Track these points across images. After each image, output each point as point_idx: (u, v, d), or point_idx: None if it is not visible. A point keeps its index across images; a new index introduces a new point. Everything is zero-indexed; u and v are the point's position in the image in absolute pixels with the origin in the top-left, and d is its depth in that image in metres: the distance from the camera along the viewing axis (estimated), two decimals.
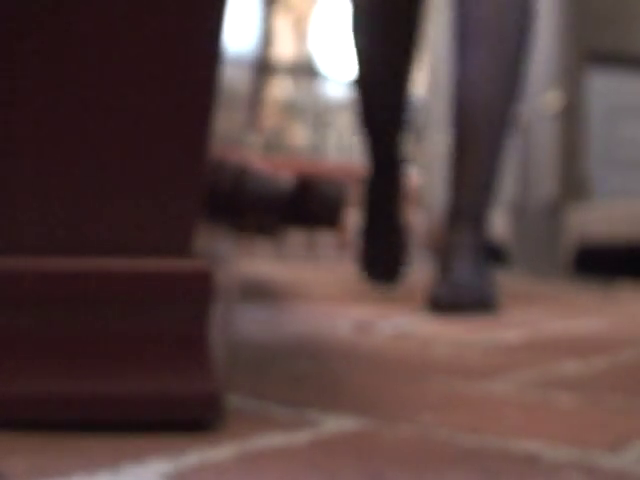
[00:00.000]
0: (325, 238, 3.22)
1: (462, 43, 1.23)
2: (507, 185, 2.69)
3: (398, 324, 1.05)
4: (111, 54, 0.44)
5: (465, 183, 1.27)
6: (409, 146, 1.92)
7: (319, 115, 3.66)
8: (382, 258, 1.66)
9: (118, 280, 0.44)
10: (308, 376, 0.65)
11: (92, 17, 0.44)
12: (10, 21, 0.43)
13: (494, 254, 2.77)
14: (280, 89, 3.77)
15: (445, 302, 1.19)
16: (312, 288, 1.73)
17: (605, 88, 2.47)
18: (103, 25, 0.44)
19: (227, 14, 0.44)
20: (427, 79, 3.99)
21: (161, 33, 0.44)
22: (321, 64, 3.70)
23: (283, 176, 0.58)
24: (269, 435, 0.45)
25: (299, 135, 3.91)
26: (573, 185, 2.21)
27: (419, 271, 2.62)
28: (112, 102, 0.44)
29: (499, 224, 2.71)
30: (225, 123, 0.58)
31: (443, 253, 1.25)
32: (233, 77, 0.60)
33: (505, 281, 2.14)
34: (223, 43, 0.44)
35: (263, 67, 1.63)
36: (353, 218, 3.27)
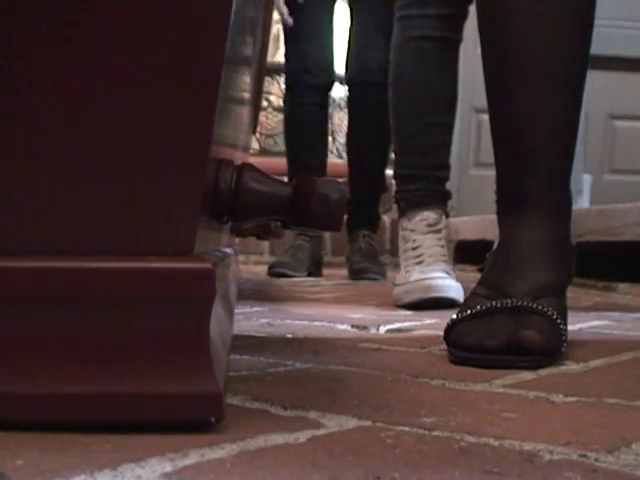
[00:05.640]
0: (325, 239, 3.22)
1: None
2: None
3: (397, 326, 1.05)
4: (115, 55, 0.44)
5: None
6: None
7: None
8: None
9: (119, 280, 0.44)
10: (308, 376, 0.65)
11: (94, 18, 0.44)
12: (16, 17, 0.43)
13: None
14: (279, 90, 3.78)
15: None
16: (312, 290, 1.73)
17: None
18: (106, 26, 0.44)
19: (231, 16, 0.44)
20: None
21: (165, 36, 0.44)
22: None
23: (282, 177, 0.59)
24: (269, 435, 0.45)
25: None
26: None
27: None
28: (115, 104, 0.44)
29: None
30: (227, 125, 0.58)
31: None
32: (235, 79, 0.60)
33: None
34: (227, 46, 0.44)
35: (264, 69, 1.63)
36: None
